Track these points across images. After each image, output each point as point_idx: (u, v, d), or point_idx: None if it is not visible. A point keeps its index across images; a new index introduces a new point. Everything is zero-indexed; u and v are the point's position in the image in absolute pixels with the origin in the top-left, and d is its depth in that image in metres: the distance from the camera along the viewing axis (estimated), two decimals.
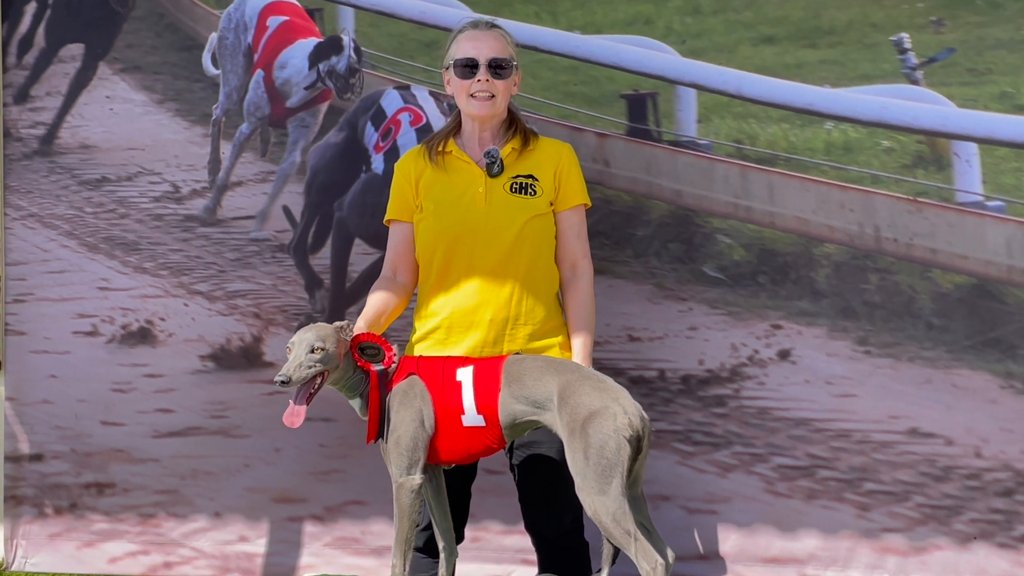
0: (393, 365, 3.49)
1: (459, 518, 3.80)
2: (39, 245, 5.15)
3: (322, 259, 4.91)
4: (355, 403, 3.52)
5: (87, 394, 5.09)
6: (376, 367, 3.48)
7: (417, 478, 3.43)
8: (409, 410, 3.41)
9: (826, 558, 4.44)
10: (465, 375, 3.44)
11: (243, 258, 5.01)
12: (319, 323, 3.51)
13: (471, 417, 3.41)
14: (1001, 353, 4.29)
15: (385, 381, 3.46)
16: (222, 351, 5.00)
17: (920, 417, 4.37)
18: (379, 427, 3.46)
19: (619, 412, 3.28)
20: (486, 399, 3.40)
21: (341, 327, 3.47)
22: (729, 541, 4.50)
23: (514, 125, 3.75)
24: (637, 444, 3.29)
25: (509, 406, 3.40)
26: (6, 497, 5.14)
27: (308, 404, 3.43)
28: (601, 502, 3.24)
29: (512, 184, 3.68)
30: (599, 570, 3.48)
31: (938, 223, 4.32)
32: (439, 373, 3.46)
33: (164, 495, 5.03)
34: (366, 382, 3.49)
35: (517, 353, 3.61)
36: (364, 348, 3.49)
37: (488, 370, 3.44)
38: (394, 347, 3.54)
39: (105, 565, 5.06)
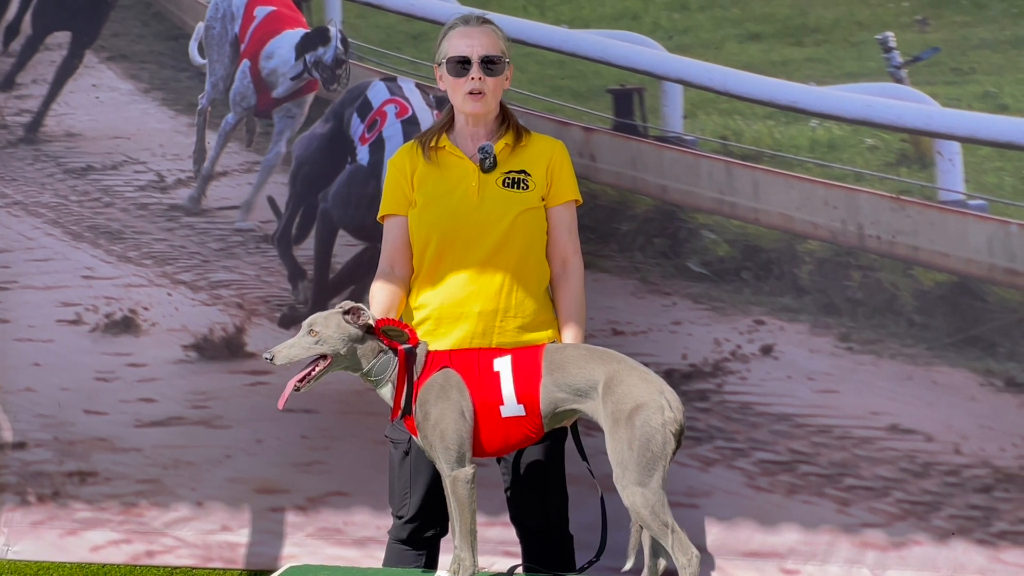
0: (420, 345, 3.41)
1: (442, 510, 3.80)
2: (23, 233, 5.15)
3: (306, 250, 4.91)
4: (384, 392, 3.40)
5: (70, 383, 5.08)
6: (402, 345, 3.38)
7: (469, 469, 3.34)
8: (447, 403, 3.33)
9: (806, 552, 4.46)
10: (503, 365, 3.36)
11: (227, 248, 5.01)
12: (332, 309, 3.39)
13: (511, 407, 3.33)
14: (981, 351, 4.32)
15: (412, 360, 3.39)
16: (205, 341, 5.00)
17: (900, 413, 4.40)
18: (406, 405, 3.37)
19: (666, 406, 3.25)
20: (526, 388, 3.33)
21: (350, 310, 3.35)
22: (710, 535, 4.53)
23: (506, 121, 3.76)
24: (678, 439, 3.28)
25: (551, 394, 3.33)
26: None
27: (303, 384, 3.32)
28: (641, 493, 3.20)
29: (505, 179, 3.68)
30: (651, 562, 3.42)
31: (920, 221, 4.35)
32: (475, 365, 3.38)
33: (146, 484, 5.03)
34: (393, 367, 3.39)
35: (554, 342, 3.60)
36: (386, 330, 3.39)
37: (527, 359, 3.37)
38: (417, 330, 3.48)
39: (87, 553, 5.06)
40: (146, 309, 5.05)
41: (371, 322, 3.36)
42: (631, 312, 4.59)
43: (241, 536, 4.95)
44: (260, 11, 4.99)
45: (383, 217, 3.78)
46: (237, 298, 4.99)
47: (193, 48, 5.05)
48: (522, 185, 3.68)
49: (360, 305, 3.38)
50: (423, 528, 3.78)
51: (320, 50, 4.88)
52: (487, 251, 3.64)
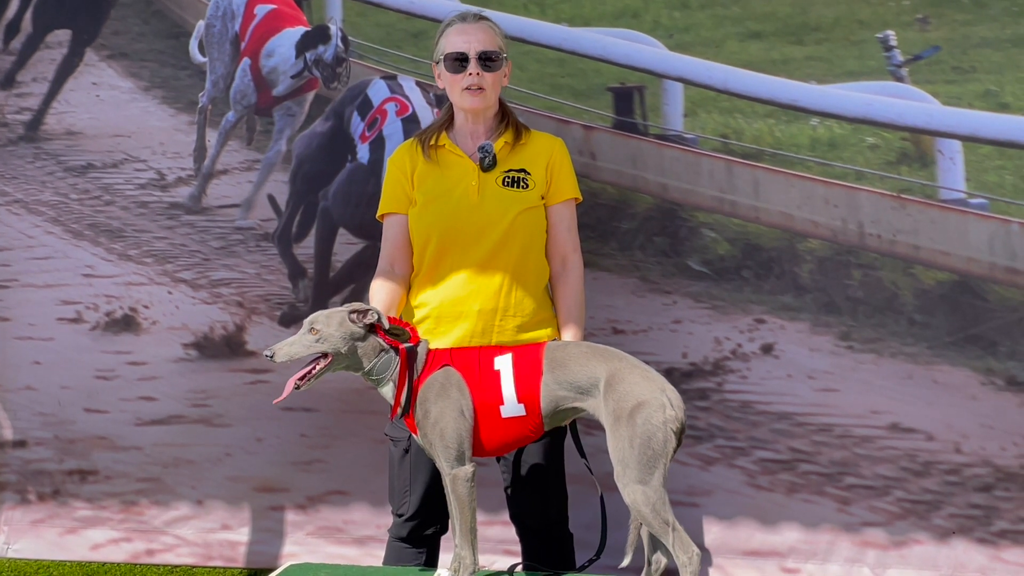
0: (421, 344, 3.40)
1: (442, 508, 3.79)
2: (24, 231, 5.15)
3: (306, 248, 4.91)
4: (385, 391, 3.39)
5: (71, 381, 5.08)
6: (403, 344, 3.37)
7: (469, 467, 3.34)
8: (448, 401, 3.32)
9: (806, 551, 4.46)
10: (504, 363, 3.36)
11: (227, 246, 5.01)
12: (335, 308, 3.38)
13: (511, 407, 3.33)
14: (981, 350, 4.32)
15: (414, 359, 3.38)
16: (205, 339, 5.00)
17: (901, 412, 4.40)
18: (406, 403, 3.37)
19: (667, 404, 3.25)
20: (527, 387, 3.32)
21: (357, 310, 3.34)
22: (711, 534, 4.53)
23: (506, 118, 3.76)
24: (679, 437, 3.27)
25: (552, 392, 3.32)
26: None
27: (303, 382, 3.31)
28: (642, 491, 3.20)
29: (504, 178, 3.68)
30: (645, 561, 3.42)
31: (921, 220, 4.35)
32: (475, 363, 3.38)
33: (146, 483, 5.03)
34: (395, 366, 3.37)
35: (554, 340, 3.60)
36: (388, 329, 3.37)
37: (528, 357, 3.37)
38: (417, 329, 3.48)
39: (87, 552, 5.06)
40: (146, 307, 5.05)
41: (374, 321, 3.35)
42: (631, 311, 4.59)
43: (241, 534, 4.95)
44: (261, 9, 4.99)
45: (383, 215, 3.78)
46: (237, 296, 4.99)
47: (193, 46, 5.05)
48: (522, 184, 3.68)
49: (370, 306, 3.38)
50: (423, 526, 3.78)
51: (320, 48, 4.88)
52: (487, 250, 3.64)
